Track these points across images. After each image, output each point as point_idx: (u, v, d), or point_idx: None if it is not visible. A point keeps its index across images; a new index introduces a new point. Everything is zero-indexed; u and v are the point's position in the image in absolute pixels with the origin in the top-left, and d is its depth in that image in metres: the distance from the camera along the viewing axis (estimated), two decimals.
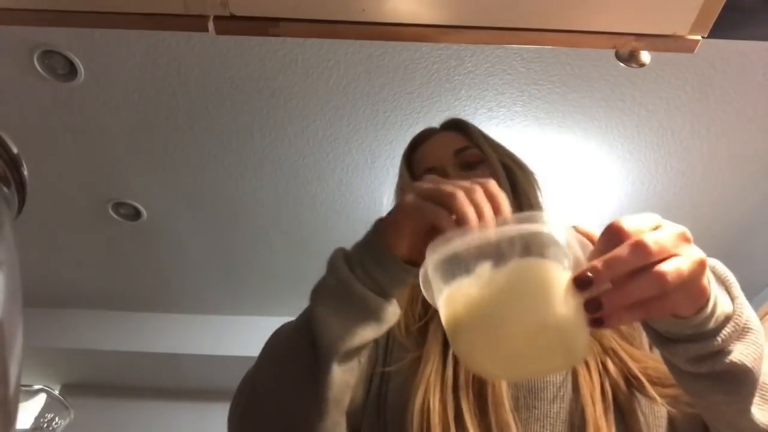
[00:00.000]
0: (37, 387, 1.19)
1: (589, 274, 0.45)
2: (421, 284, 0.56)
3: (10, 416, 0.36)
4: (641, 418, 0.67)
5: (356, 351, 0.63)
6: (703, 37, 0.70)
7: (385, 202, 0.99)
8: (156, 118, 2.24)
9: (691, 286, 0.47)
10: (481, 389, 0.70)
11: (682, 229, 0.48)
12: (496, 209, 0.54)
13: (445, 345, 0.76)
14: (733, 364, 0.51)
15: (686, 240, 0.48)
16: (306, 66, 2.05)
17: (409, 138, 1.02)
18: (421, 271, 0.55)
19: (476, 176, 0.82)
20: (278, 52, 2.01)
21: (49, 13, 0.68)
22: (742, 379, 0.52)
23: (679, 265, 0.45)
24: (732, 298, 0.54)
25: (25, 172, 0.43)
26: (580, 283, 0.45)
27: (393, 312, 0.64)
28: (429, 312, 0.82)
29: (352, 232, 0.69)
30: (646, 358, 0.71)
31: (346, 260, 0.63)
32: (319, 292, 0.65)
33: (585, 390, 0.68)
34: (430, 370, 0.73)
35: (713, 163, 2.44)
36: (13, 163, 0.41)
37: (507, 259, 0.48)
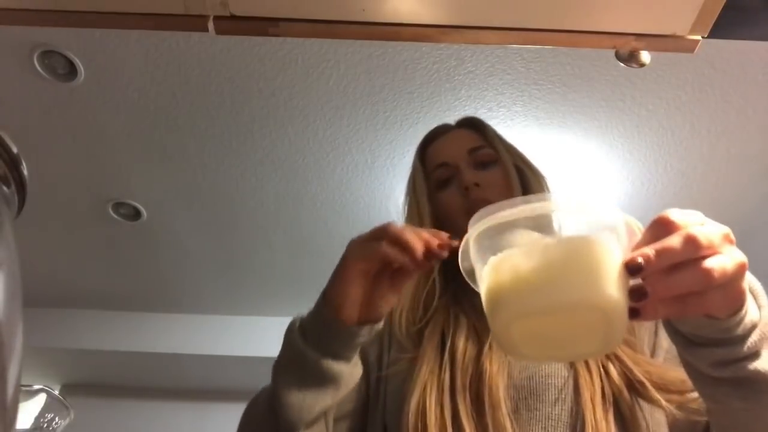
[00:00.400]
0: (37, 387, 1.19)
1: (641, 260, 0.45)
2: (459, 256, 0.55)
3: (10, 416, 0.36)
4: (642, 423, 0.67)
5: (320, 415, 0.66)
6: (703, 37, 0.70)
7: (399, 199, 0.99)
8: (156, 118, 2.24)
9: (731, 287, 0.47)
10: (478, 391, 0.70)
11: (727, 229, 0.49)
12: (429, 241, 0.56)
13: (442, 347, 0.77)
14: (756, 371, 0.51)
15: (730, 241, 0.49)
16: (306, 66, 2.05)
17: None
18: (463, 243, 0.54)
19: (488, 176, 0.84)
20: (278, 52, 2.01)
21: (49, 13, 0.68)
22: (763, 387, 0.52)
23: (725, 264, 0.46)
24: (759, 307, 0.54)
25: (25, 172, 0.43)
26: (632, 268, 0.45)
27: (352, 373, 0.66)
28: (428, 313, 0.83)
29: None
30: (648, 363, 0.71)
31: (300, 331, 0.66)
32: (278, 366, 0.68)
33: (586, 393, 0.68)
34: (426, 371, 0.74)
35: (713, 163, 2.44)
36: (13, 163, 0.41)
37: (561, 236, 0.48)
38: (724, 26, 0.69)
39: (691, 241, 0.45)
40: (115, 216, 2.71)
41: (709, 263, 0.45)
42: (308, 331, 0.66)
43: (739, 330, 0.50)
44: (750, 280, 0.57)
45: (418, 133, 2.28)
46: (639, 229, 0.50)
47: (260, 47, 1.99)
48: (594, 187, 2.58)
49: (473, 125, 0.96)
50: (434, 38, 0.73)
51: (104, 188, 2.58)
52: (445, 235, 0.60)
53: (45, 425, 1.18)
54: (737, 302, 0.49)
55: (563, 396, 0.70)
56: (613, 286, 0.45)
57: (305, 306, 0.69)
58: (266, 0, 0.67)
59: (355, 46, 1.99)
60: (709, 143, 2.35)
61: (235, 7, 0.67)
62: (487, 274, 0.50)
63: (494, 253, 0.49)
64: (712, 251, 0.46)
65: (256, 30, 0.70)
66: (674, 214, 0.48)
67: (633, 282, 0.46)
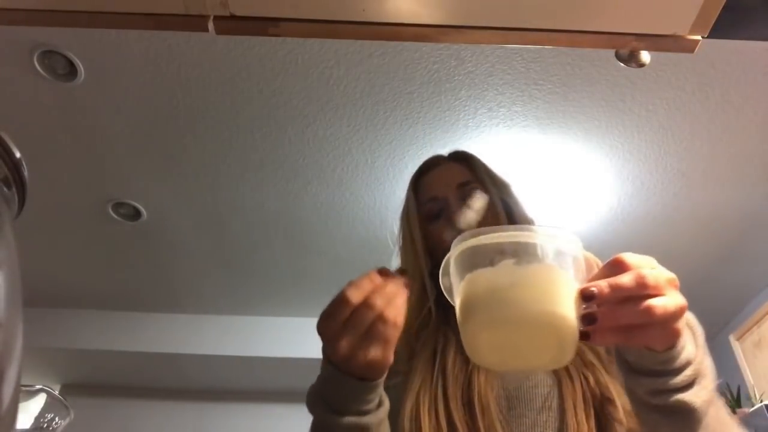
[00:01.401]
0: (37, 387, 1.19)
1: (594, 289, 0.53)
2: (441, 272, 0.63)
3: (10, 416, 0.36)
4: (618, 428, 0.74)
5: None
6: (703, 37, 0.70)
7: (399, 198, 1.03)
8: (156, 119, 2.24)
9: (670, 324, 0.54)
10: (470, 398, 0.76)
11: (673, 276, 0.56)
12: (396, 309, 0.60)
13: (433, 361, 0.82)
14: (685, 402, 0.58)
15: (675, 286, 0.55)
16: (306, 66, 2.05)
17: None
18: (444, 261, 0.61)
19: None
20: (278, 52, 2.01)
21: (49, 13, 0.68)
22: (689, 417, 0.59)
23: (666, 304, 0.53)
24: (696, 347, 0.61)
25: (26, 173, 0.43)
26: (586, 295, 0.53)
27: (381, 411, 0.67)
28: (421, 332, 0.87)
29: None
30: (621, 388, 0.76)
31: (323, 400, 0.66)
32: None
33: (569, 398, 0.75)
34: (419, 381, 0.80)
35: (713, 163, 2.44)
36: (14, 164, 0.41)
37: (530, 261, 0.56)
38: (724, 26, 0.70)
39: (640, 280, 0.52)
40: (115, 216, 2.71)
41: (653, 301, 0.52)
42: (331, 400, 0.66)
43: (675, 364, 0.57)
44: (693, 323, 0.65)
45: (417, 133, 2.29)
46: (597, 265, 0.58)
47: (260, 47, 1.99)
48: (594, 187, 2.58)
49: (463, 159, 1.01)
50: (434, 38, 0.73)
51: (104, 188, 2.58)
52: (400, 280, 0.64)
53: (45, 425, 1.18)
54: (674, 338, 0.56)
55: (549, 404, 0.77)
56: (567, 308, 0.53)
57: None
58: (266, 0, 0.67)
59: (355, 46, 1.99)
60: (709, 143, 2.35)
61: (235, 7, 0.67)
62: (462, 288, 0.58)
63: (470, 271, 0.57)
64: (658, 292, 0.53)
65: (256, 30, 0.70)
66: (629, 257, 0.55)
67: (586, 309, 0.53)
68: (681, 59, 2.02)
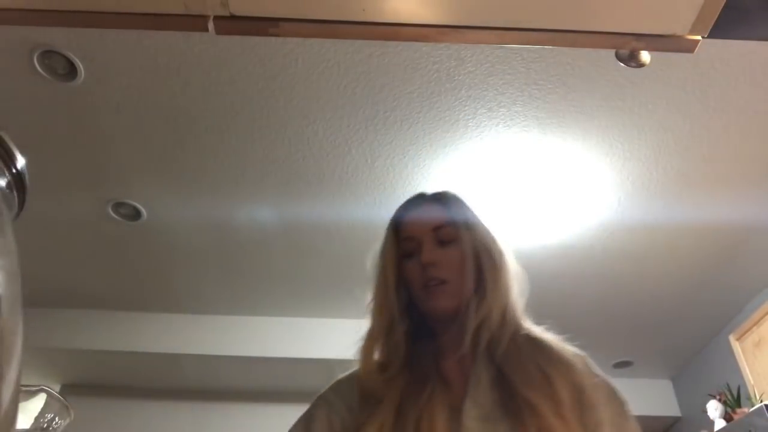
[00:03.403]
0: (37, 387, 1.19)
1: None
2: None
3: (10, 416, 0.36)
4: None
5: None
6: (703, 37, 0.70)
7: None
8: (156, 118, 2.24)
9: None
10: None
11: None
12: None
13: (398, 414, 0.83)
14: None
15: None
16: (306, 66, 2.05)
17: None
18: None
19: (446, 255, 0.94)
20: (278, 52, 2.01)
21: (49, 13, 0.68)
22: None
23: None
24: None
25: (26, 173, 0.43)
26: None
27: None
28: (389, 360, 0.89)
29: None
30: None
31: None
32: None
33: None
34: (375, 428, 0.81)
35: (713, 163, 2.44)
36: (14, 164, 0.41)
37: None
38: (724, 26, 0.70)
39: None
40: (115, 216, 2.71)
41: None
42: None
43: None
44: None
45: (417, 133, 2.29)
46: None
47: (260, 47, 1.99)
48: (594, 187, 2.58)
49: (443, 201, 1.03)
50: (434, 38, 0.73)
51: (104, 188, 2.58)
52: None
53: (45, 425, 1.18)
54: None
55: None
56: None
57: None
58: (266, 0, 0.67)
59: (355, 46, 1.99)
60: (709, 143, 2.35)
61: (235, 7, 0.67)
62: None
63: None
64: None
65: (256, 30, 0.70)
66: None
67: None
68: (681, 59, 2.02)
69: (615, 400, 0.85)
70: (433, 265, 0.92)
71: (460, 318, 0.89)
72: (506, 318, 0.90)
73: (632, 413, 0.85)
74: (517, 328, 0.91)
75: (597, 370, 0.88)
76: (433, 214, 1.00)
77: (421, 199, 1.05)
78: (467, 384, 0.85)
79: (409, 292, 0.94)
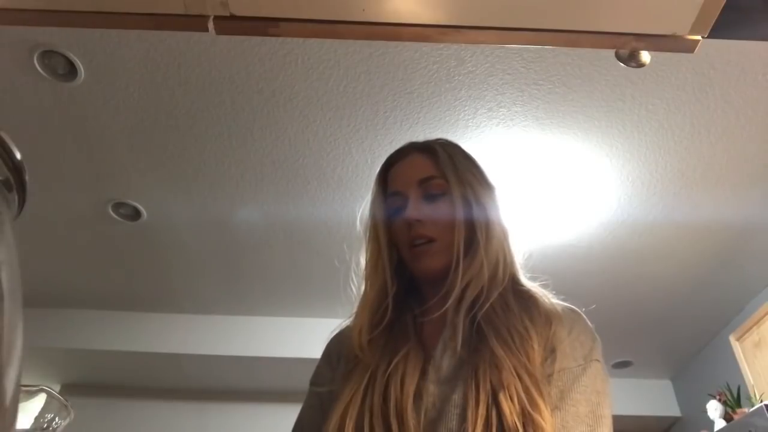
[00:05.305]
0: (37, 387, 1.19)
1: None
2: None
3: (10, 416, 0.36)
4: None
5: None
6: (703, 37, 0.70)
7: (358, 215, 1.01)
8: (156, 118, 2.24)
9: None
10: (389, 417, 0.73)
11: None
12: None
13: (370, 377, 0.78)
14: None
15: None
16: (306, 66, 2.05)
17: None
18: None
19: (434, 210, 0.86)
20: (278, 52, 2.01)
21: (49, 13, 0.68)
22: None
23: None
24: None
25: (26, 173, 0.43)
26: None
27: None
28: (378, 320, 0.84)
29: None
30: (547, 416, 0.69)
31: None
32: None
33: (470, 420, 0.69)
34: (350, 396, 0.76)
35: (713, 163, 2.44)
36: (14, 164, 0.41)
37: None
38: (724, 26, 0.69)
39: None
40: (115, 216, 2.71)
41: None
42: None
43: None
44: None
45: (417, 133, 2.29)
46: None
47: (260, 47, 1.99)
48: (594, 187, 2.58)
49: (429, 151, 0.94)
50: (434, 38, 0.73)
51: (104, 188, 2.58)
52: None
53: (45, 425, 1.18)
54: None
55: (458, 426, 0.71)
56: None
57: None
58: (266, 0, 0.67)
59: (355, 46, 1.99)
60: (709, 143, 2.35)
61: (235, 7, 0.67)
62: None
63: None
64: None
65: (256, 30, 0.70)
66: None
67: None
68: (681, 59, 2.02)
69: (589, 358, 0.77)
70: (419, 222, 0.85)
71: (450, 277, 0.81)
72: (497, 276, 0.83)
73: (604, 375, 0.77)
74: (511, 284, 0.84)
75: (585, 326, 0.81)
76: (419, 165, 0.92)
77: (405, 150, 0.96)
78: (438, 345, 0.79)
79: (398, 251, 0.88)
